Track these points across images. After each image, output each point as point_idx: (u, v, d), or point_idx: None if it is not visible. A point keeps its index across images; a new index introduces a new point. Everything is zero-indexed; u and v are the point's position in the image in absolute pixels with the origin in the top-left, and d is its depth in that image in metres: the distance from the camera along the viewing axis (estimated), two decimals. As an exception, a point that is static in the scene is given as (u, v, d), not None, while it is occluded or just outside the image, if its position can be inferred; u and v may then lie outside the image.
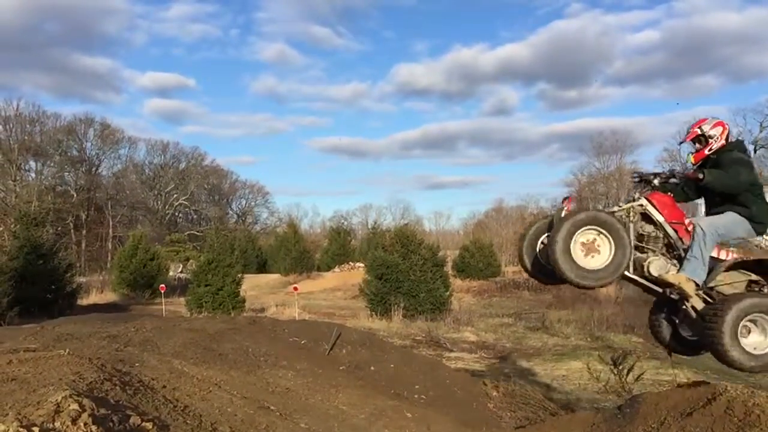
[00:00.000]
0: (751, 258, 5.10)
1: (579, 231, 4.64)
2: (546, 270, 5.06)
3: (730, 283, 5.09)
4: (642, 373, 12.77)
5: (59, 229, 53.59)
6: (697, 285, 4.96)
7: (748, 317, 4.80)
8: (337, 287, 38.33)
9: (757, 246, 5.50)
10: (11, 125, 57.86)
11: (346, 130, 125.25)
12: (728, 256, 5.07)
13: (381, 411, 7.08)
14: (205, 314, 19.53)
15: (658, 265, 4.95)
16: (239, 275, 24.08)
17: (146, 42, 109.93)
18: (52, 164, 61.63)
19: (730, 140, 5.15)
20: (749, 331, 4.87)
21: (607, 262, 4.65)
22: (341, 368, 8.77)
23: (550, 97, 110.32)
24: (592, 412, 7.07)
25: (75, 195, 61.66)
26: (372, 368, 9.05)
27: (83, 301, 27.57)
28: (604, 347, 17.69)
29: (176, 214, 74.31)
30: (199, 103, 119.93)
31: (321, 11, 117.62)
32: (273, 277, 45.24)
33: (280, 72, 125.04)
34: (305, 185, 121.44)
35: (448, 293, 24.85)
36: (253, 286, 36.06)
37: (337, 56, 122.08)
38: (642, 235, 5.09)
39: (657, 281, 4.97)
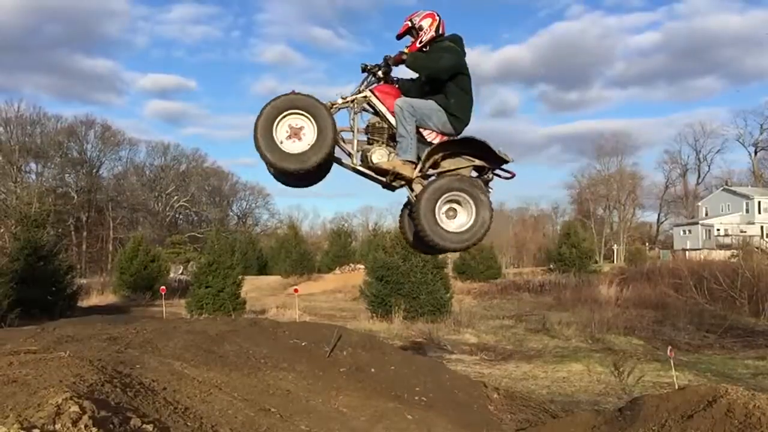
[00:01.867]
0: (458, 138, 5.02)
1: (282, 114, 4.66)
2: None
3: (455, 169, 5.04)
4: (642, 376, 12.78)
5: (60, 230, 53.56)
6: (415, 166, 4.93)
7: (446, 197, 4.83)
8: (338, 289, 38.31)
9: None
10: (12, 127, 57.93)
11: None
12: (436, 137, 5.01)
13: (381, 413, 7.08)
14: (205, 316, 19.51)
15: (379, 153, 4.96)
16: (240, 277, 24.06)
17: (147, 44, 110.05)
18: (52, 166, 61.71)
19: (442, 33, 5.08)
20: (456, 213, 4.91)
21: (310, 146, 4.65)
22: (342, 370, 8.76)
23: (551, 99, 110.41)
24: (593, 414, 7.07)
25: (75, 197, 61.69)
26: (372, 370, 9.04)
27: (84, 303, 27.56)
28: (605, 349, 17.68)
29: (177, 215, 74.35)
30: (199, 105, 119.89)
31: (322, 13, 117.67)
32: (273, 279, 45.24)
33: (281, 73, 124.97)
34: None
35: (448, 295, 24.82)
36: (254, 287, 36.05)
37: (338, 58, 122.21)
38: (368, 126, 5.10)
39: (377, 169, 4.98)
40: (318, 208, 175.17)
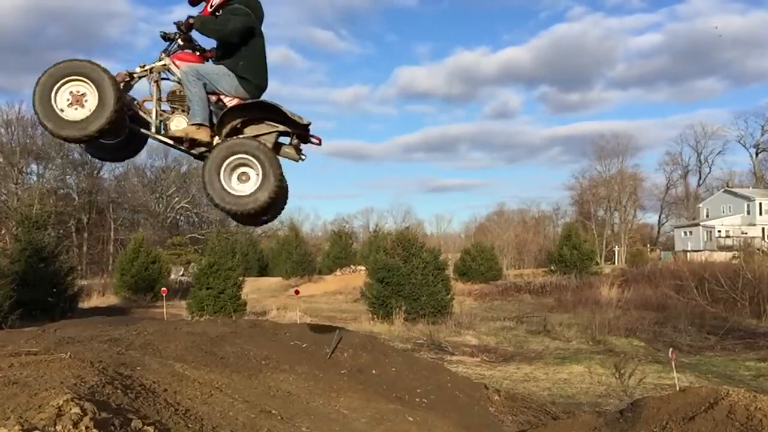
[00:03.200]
0: (249, 102, 4.96)
1: (62, 81, 4.62)
2: None
3: (257, 135, 4.97)
4: (643, 377, 12.76)
5: (61, 232, 53.51)
6: (212, 132, 4.88)
7: (232, 161, 4.75)
8: (339, 290, 38.31)
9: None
10: (13, 128, 57.86)
11: (348, 134, 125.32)
12: (230, 101, 4.97)
13: (382, 415, 7.08)
14: (206, 317, 19.51)
15: (177, 121, 4.93)
16: (240, 278, 24.06)
17: (149, 45, 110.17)
18: (53, 167, 61.68)
19: None
20: (249, 177, 4.82)
21: (90, 112, 4.59)
22: (342, 372, 8.76)
23: (552, 101, 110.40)
24: (594, 416, 7.06)
25: (76, 198, 61.70)
26: (373, 372, 9.04)
27: (84, 304, 27.53)
28: (606, 351, 17.66)
29: (178, 217, 74.30)
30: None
31: (324, 15, 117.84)
32: (274, 281, 45.23)
33: (283, 75, 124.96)
34: (307, 188, 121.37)
35: (449, 297, 24.83)
36: (255, 289, 36.06)
37: (340, 59, 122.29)
38: (169, 94, 5.07)
39: (174, 137, 4.96)
40: (319, 209, 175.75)
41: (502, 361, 16.64)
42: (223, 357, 8.06)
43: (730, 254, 37.94)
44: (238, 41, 4.91)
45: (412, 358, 11.36)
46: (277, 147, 5.09)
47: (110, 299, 32.47)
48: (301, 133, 5.06)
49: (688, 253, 47.97)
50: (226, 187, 4.75)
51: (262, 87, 5.10)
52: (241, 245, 49.33)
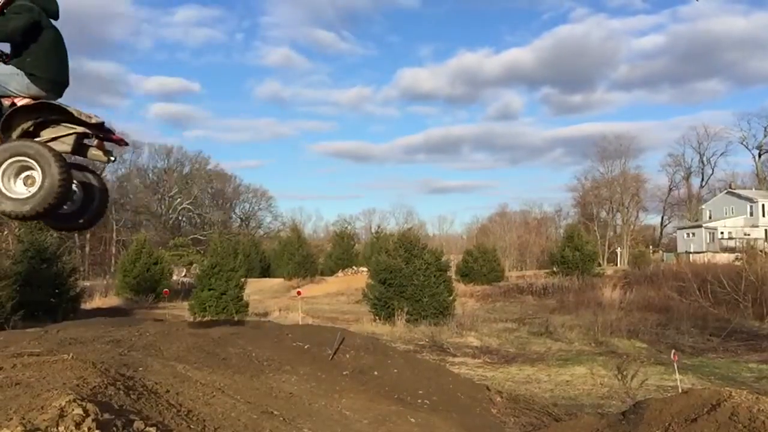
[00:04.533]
0: (33, 103, 4.80)
1: None
2: None
3: (56, 138, 4.83)
4: (646, 379, 12.73)
5: (63, 233, 53.58)
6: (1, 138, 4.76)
7: (9, 163, 4.60)
8: (341, 291, 38.32)
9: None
10: (16, 129, 58.08)
11: (350, 135, 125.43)
12: (18, 102, 4.81)
13: (384, 416, 7.08)
14: (208, 318, 19.52)
15: None
16: (243, 279, 24.10)
17: (151, 47, 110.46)
18: (56, 168, 61.80)
19: None
20: (34, 180, 4.63)
21: None
22: (345, 373, 8.76)
23: (555, 102, 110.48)
24: (597, 418, 7.05)
25: (79, 199, 61.79)
26: (375, 373, 9.04)
27: (87, 305, 27.57)
28: (608, 352, 17.64)
29: (180, 218, 74.45)
30: (203, 108, 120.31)
31: (326, 16, 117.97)
32: (276, 282, 45.26)
33: (285, 76, 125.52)
34: (309, 189, 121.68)
35: (451, 298, 24.81)
36: (257, 290, 36.06)
37: (342, 61, 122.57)
38: None
39: None
40: (321, 210, 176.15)
41: (504, 362, 16.62)
42: (225, 358, 8.06)
43: (732, 256, 37.91)
44: (24, 39, 4.78)
45: (414, 359, 11.35)
46: (83, 149, 4.98)
47: (112, 300, 32.50)
48: (99, 133, 4.93)
49: (690, 255, 47.91)
50: (3, 190, 4.61)
51: (57, 81, 4.97)
52: (243, 246, 49.37)
